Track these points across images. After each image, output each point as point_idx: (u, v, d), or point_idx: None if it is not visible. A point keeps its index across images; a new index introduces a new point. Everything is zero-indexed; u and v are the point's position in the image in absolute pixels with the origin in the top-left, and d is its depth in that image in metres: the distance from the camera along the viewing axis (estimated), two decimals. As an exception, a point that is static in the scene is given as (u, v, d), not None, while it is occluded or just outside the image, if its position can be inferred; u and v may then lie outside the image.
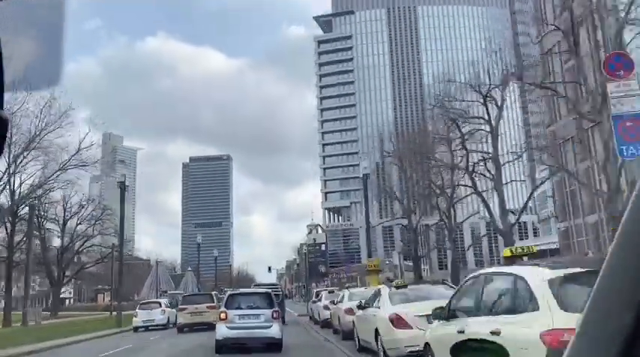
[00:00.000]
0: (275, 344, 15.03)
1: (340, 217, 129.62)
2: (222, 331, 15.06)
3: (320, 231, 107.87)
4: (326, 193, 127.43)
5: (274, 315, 15.23)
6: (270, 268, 76.95)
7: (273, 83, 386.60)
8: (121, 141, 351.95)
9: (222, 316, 15.27)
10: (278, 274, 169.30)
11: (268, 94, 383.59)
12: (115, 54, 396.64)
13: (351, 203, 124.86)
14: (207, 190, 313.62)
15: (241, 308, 15.53)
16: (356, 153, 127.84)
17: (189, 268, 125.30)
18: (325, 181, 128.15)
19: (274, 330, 15.01)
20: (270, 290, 17.77)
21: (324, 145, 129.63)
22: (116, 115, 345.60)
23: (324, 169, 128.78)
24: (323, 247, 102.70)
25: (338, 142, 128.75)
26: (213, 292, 31.72)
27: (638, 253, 0.97)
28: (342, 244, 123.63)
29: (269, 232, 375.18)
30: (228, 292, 18.60)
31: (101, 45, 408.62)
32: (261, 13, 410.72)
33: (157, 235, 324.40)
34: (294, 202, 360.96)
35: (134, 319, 28.47)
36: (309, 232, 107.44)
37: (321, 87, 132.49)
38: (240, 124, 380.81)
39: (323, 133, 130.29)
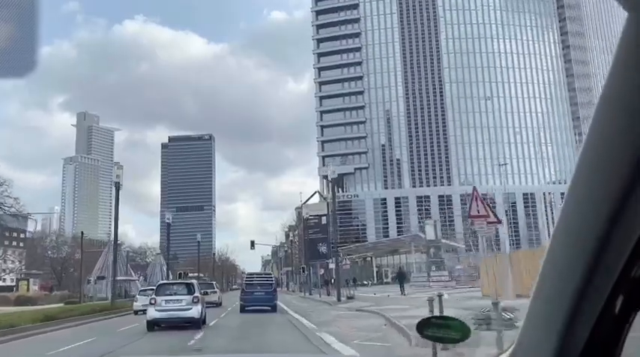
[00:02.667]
0: (195, 322, 18.72)
1: (340, 189, 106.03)
2: (151, 313, 18.97)
3: (317, 200, 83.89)
4: (324, 156, 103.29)
5: (194, 300, 19.11)
6: (252, 244, 54.07)
7: (256, 69, 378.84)
8: (97, 121, 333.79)
9: (152, 301, 19.31)
10: (263, 261, 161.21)
11: (251, 80, 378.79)
12: (93, 38, 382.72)
13: (355, 170, 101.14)
14: (187, 172, 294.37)
15: (168, 295, 19.35)
16: (361, 107, 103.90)
17: (158, 252, 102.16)
18: (323, 142, 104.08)
19: (194, 311, 18.86)
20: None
21: (321, 98, 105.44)
22: (93, 101, 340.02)
23: (322, 127, 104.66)
24: (324, 220, 78.81)
25: (339, 95, 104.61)
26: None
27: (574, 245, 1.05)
28: (342, 219, 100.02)
29: (253, 220, 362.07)
30: (159, 282, 24.85)
31: (78, 29, 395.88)
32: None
33: (139, 225, 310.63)
34: (278, 191, 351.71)
35: (134, 303, 32.06)
36: (305, 201, 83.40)
37: (318, 26, 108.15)
38: (223, 112, 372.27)
39: (320, 83, 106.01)
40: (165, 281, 26.06)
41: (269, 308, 27.20)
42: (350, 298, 29.28)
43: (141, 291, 34.57)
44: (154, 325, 18.72)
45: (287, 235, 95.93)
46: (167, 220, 47.28)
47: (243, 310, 27.57)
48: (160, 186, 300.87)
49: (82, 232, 49.41)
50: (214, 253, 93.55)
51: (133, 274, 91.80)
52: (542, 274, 1.15)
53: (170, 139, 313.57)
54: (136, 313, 30.33)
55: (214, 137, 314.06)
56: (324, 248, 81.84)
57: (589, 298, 1.06)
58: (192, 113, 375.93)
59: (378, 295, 35.73)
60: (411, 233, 74.93)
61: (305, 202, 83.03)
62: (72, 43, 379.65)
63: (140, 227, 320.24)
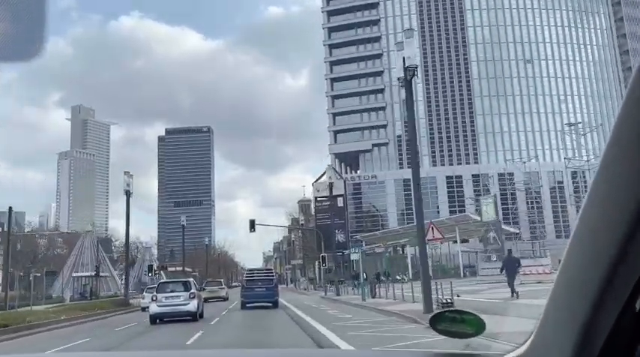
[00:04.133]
0: (192, 315, 20.92)
1: (353, 171, 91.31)
2: (153, 308, 21.34)
3: (331, 178, 69.19)
4: (335, 131, 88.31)
5: (191, 296, 21.28)
6: (252, 224, 39.88)
7: (253, 66, 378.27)
8: (93, 114, 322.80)
9: (154, 298, 21.67)
10: (265, 257, 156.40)
11: (249, 77, 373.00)
12: (88, 35, 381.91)
13: (373, 146, 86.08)
14: (185, 166, 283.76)
15: (168, 292, 21.72)
16: (379, 73, 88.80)
17: (145, 244, 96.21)
18: (334, 114, 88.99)
19: (190, 306, 20.97)
20: (188, 279, 24.09)
21: (331, 63, 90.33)
22: (90, 99, 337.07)
23: (332, 97, 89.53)
24: (340, 202, 64.06)
25: (353, 59, 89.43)
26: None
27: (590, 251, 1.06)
28: (358, 203, 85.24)
29: (253, 217, 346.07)
30: (160, 281, 29.03)
31: (74, 26, 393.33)
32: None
33: (140, 223, 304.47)
34: (278, 188, 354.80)
35: (142, 300, 32.64)
36: (317, 179, 68.82)
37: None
38: (221, 109, 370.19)
39: (330, 45, 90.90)
40: (164, 280, 30.13)
41: (270, 304, 26.91)
42: (447, 304, 14.66)
43: (148, 288, 36.13)
44: (156, 319, 21.02)
45: (290, 230, 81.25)
46: (125, 188, 32.61)
47: (244, 306, 27.09)
48: (157, 180, 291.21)
49: (9, 207, 34.73)
50: (207, 244, 79.02)
51: (111, 268, 77.61)
52: (564, 266, 1.13)
53: (167, 131, 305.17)
54: (143, 309, 31.02)
55: (213, 129, 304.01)
56: (341, 236, 67.28)
57: (611, 292, 1.04)
58: (190, 110, 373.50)
59: (463, 296, 21.41)
60: (455, 215, 60.08)
61: (317, 180, 68.29)
62: (67, 40, 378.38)
63: (140, 225, 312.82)
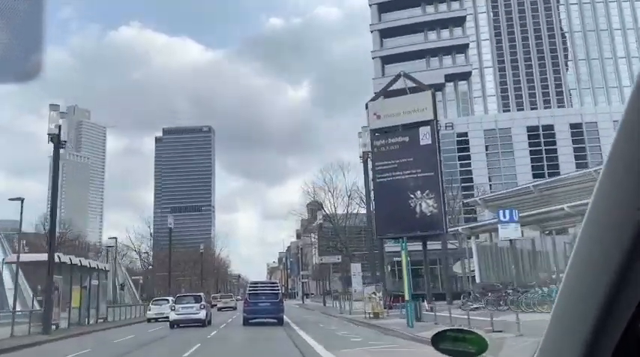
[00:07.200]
0: (202, 322, 27.39)
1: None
2: (172, 316, 28.10)
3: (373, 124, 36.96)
4: (383, 58, 56.21)
5: (201, 307, 28.15)
6: None
7: (253, 76, 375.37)
8: (88, 116, 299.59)
9: (172, 307, 28.96)
10: (269, 268, 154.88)
11: (248, 87, 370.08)
12: (88, 45, 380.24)
13: (446, 78, 54.33)
14: (184, 168, 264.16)
15: (184, 303, 28.82)
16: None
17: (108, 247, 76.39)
18: (381, 33, 57.09)
19: (201, 314, 27.75)
20: (199, 295, 30.99)
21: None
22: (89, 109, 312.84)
23: (378, 5, 57.74)
24: (426, 138, 31.80)
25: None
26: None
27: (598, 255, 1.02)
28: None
29: (254, 230, 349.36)
30: (177, 295, 33.71)
31: (72, 36, 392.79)
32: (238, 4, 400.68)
33: (137, 233, 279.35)
34: (278, 201, 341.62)
35: (148, 312, 37.89)
36: (377, 95, 36.53)
37: None
38: (221, 120, 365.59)
39: None
40: (182, 294, 35.62)
41: (275, 320, 26.13)
42: None
43: (154, 300, 40.39)
44: (174, 325, 27.31)
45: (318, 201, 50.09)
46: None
47: (246, 322, 26.52)
48: (154, 185, 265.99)
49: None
50: (171, 229, 48.17)
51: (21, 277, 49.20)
52: (566, 285, 1.10)
53: (165, 131, 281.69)
54: (149, 321, 36.21)
55: (214, 129, 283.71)
56: (428, 203, 34.48)
57: (614, 313, 1.01)
58: (190, 121, 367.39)
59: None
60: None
61: (376, 97, 35.96)
62: (67, 51, 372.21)
63: (139, 236, 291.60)
